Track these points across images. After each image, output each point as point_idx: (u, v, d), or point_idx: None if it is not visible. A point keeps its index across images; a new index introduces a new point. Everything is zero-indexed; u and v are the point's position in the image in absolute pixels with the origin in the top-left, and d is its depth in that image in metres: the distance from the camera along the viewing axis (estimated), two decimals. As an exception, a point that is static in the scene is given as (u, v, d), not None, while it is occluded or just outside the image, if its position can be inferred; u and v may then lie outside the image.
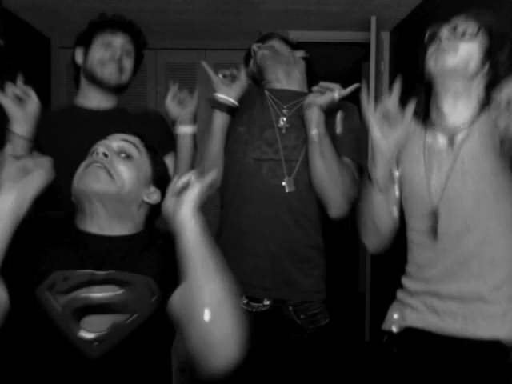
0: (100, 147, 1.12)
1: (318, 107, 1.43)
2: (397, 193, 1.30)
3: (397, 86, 1.20)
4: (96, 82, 1.60)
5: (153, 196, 1.15)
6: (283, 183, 1.47)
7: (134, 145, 1.15)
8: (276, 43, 1.61)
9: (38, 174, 1.02)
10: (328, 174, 1.42)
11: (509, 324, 1.16)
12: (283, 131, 1.51)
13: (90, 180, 1.07)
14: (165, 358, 1.11)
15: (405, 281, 1.31)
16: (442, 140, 1.22)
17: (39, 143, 1.48)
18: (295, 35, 3.56)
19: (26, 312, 0.99)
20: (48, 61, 3.61)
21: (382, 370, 1.37)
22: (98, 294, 1.01)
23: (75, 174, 1.10)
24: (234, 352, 0.92)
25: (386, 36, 3.45)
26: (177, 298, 1.01)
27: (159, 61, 3.66)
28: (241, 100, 1.54)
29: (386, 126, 1.20)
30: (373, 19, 3.04)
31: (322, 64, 4.49)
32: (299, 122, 1.49)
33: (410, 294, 1.28)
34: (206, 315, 0.91)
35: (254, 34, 3.55)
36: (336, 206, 1.46)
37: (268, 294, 1.45)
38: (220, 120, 1.51)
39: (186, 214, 0.97)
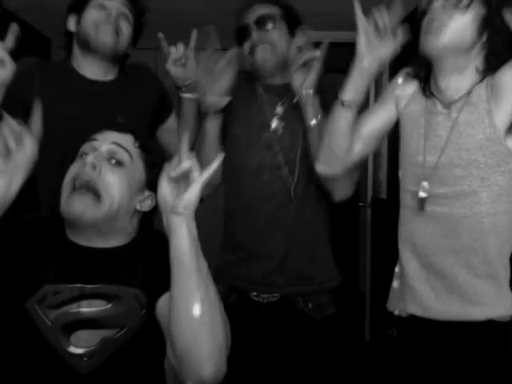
0: (89, 157, 1.05)
1: (310, 95, 1.38)
2: (365, 131, 1.29)
3: (397, 7, 1.21)
4: (91, 48, 1.47)
5: (146, 202, 1.10)
6: (291, 194, 1.45)
7: (126, 149, 1.08)
8: (275, 34, 1.47)
9: (24, 158, 0.96)
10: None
11: (503, 304, 1.17)
12: (279, 132, 1.48)
13: (77, 208, 1.02)
14: (157, 370, 1.08)
15: (400, 255, 1.30)
16: (440, 108, 1.22)
17: (31, 96, 1.38)
18: (295, 35, 3.57)
19: (15, 324, 0.98)
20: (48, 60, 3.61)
21: (384, 362, 1.37)
22: (87, 308, 0.99)
23: (62, 193, 1.04)
24: (215, 367, 0.88)
25: (385, 36, 3.45)
26: (163, 305, 0.98)
27: (159, 61, 3.67)
28: (231, 91, 1.44)
29: (375, 39, 1.21)
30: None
31: (322, 64, 4.51)
32: (294, 117, 1.46)
33: (406, 272, 1.28)
34: (187, 331, 0.88)
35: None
36: (341, 190, 1.45)
37: (280, 290, 1.48)
38: (214, 122, 1.44)
39: (180, 220, 0.91)
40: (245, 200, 1.49)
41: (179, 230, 0.91)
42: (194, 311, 0.88)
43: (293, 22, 1.51)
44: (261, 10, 1.48)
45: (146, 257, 1.06)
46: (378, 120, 1.31)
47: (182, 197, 0.91)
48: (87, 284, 1.01)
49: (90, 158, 1.04)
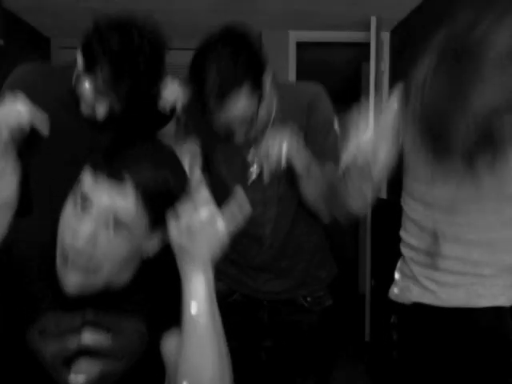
0: (82, 227, 0.88)
1: (296, 161, 1.26)
2: (376, 178, 1.23)
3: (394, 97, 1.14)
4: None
5: (153, 246, 0.96)
6: (284, 220, 1.43)
7: (125, 208, 0.87)
8: (240, 104, 1.21)
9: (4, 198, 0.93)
10: (318, 193, 1.36)
11: (509, 294, 1.18)
12: (263, 182, 1.37)
13: (72, 286, 0.91)
14: None
15: (403, 254, 1.31)
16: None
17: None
18: (295, 35, 3.56)
19: (16, 354, 0.95)
20: (48, 61, 3.60)
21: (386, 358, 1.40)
22: (87, 339, 0.96)
23: (57, 251, 0.92)
24: None
25: (385, 36, 3.45)
26: (171, 344, 0.94)
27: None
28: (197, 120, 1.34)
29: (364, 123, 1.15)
30: (373, 19, 3.04)
31: (322, 64, 4.51)
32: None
33: (410, 268, 1.29)
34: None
35: (254, 33, 3.56)
36: (330, 215, 1.44)
37: (279, 296, 1.50)
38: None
39: (197, 272, 0.86)
40: (241, 231, 1.49)
41: (195, 281, 0.87)
42: (205, 372, 0.86)
43: (261, 76, 1.25)
44: (237, 111, 1.22)
45: (148, 287, 1.01)
46: (383, 155, 1.22)
47: (200, 248, 0.86)
48: (87, 312, 0.97)
49: (82, 231, 0.87)
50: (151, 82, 1.33)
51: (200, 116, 1.31)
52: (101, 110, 1.32)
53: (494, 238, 1.17)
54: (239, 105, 1.21)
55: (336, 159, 1.35)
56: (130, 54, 1.25)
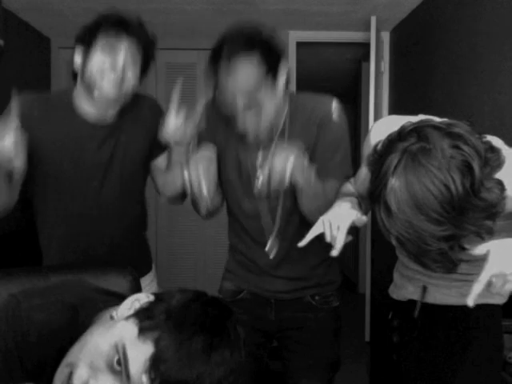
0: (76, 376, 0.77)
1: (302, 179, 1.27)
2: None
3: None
4: (93, 93, 1.42)
5: None
6: (267, 247, 1.45)
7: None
8: (248, 69, 1.25)
9: None
10: (315, 207, 1.35)
11: (500, 295, 1.22)
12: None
13: None
14: None
15: (397, 253, 1.34)
16: None
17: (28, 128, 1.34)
18: (295, 35, 3.57)
19: None
20: (48, 61, 3.61)
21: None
22: None
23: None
24: None
25: (385, 36, 3.46)
26: None
27: (159, 61, 3.67)
28: (214, 122, 1.40)
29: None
30: (373, 19, 3.05)
31: (322, 64, 4.51)
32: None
33: (403, 266, 1.34)
34: None
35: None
36: None
37: (285, 295, 1.52)
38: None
39: None
40: (247, 235, 1.50)
41: None
42: None
43: (274, 62, 1.29)
44: (243, 76, 1.25)
45: None
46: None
47: None
48: None
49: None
50: (146, 53, 1.45)
51: (215, 120, 1.42)
52: (109, 86, 1.39)
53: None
54: (247, 69, 1.25)
55: (340, 177, 1.39)
56: (127, 19, 1.42)
